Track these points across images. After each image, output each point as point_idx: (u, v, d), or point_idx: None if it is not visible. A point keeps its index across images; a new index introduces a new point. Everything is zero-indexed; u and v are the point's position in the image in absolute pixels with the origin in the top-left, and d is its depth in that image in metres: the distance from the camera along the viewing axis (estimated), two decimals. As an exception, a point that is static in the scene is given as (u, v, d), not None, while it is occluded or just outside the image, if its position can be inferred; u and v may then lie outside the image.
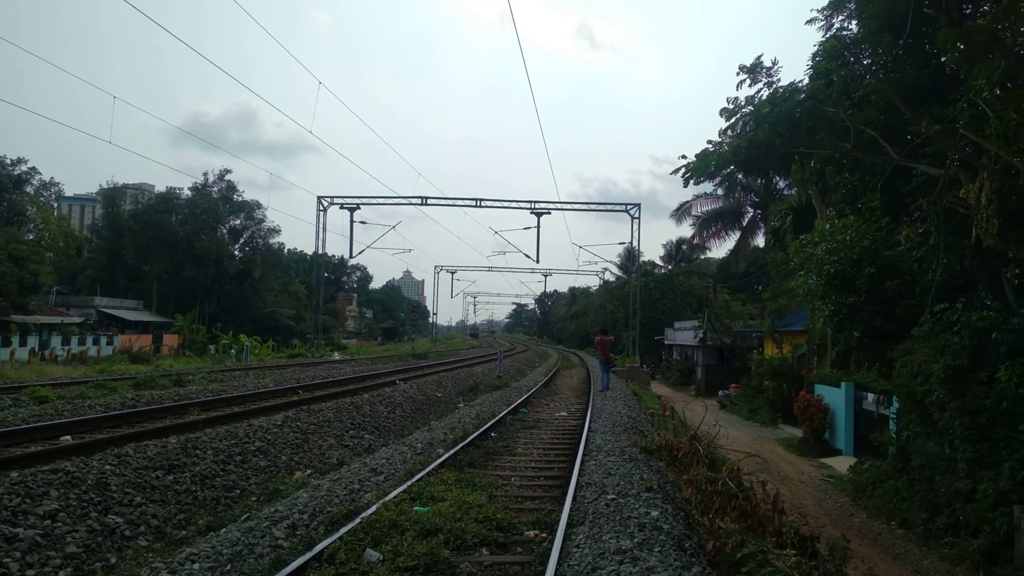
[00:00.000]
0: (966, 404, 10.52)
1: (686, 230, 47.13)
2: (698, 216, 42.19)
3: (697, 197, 41.16)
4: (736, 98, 12.73)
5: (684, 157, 13.60)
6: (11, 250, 39.91)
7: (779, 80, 12.62)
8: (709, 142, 13.24)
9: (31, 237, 51.53)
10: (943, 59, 12.07)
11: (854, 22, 12.98)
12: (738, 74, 12.77)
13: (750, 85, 12.70)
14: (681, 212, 42.87)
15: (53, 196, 64.04)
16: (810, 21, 13.31)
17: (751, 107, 12.59)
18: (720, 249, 50.71)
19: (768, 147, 12.24)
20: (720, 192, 38.67)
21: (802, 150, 12.90)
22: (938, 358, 11.09)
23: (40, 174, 60.54)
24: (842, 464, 16.90)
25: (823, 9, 13.12)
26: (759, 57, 12.65)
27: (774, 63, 12.59)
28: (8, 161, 56.09)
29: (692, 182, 13.54)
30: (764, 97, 12.38)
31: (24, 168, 57.53)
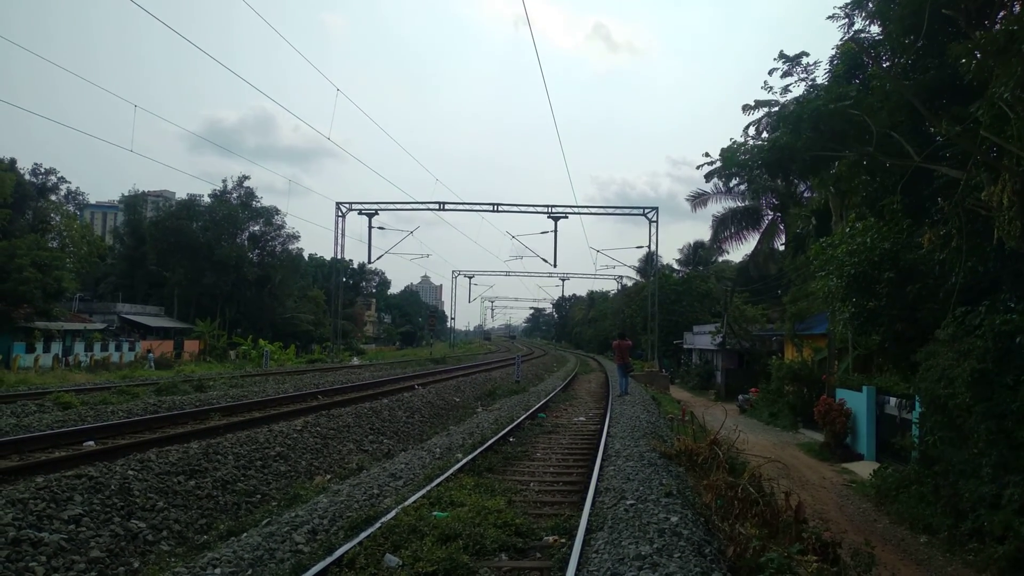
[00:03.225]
0: (991, 408, 10.39)
1: (702, 226, 46.68)
2: (715, 215, 41.93)
3: (717, 192, 40.49)
4: (770, 87, 12.64)
5: (707, 155, 13.62)
6: (35, 257, 40.42)
7: (815, 78, 12.58)
8: (732, 140, 13.24)
9: (55, 244, 52.21)
10: (963, 59, 11.99)
11: (875, 25, 12.91)
12: (775, 60, 12.71)
13: (782, 76, 12.62)
14: (697, 201, 42.44)
15: (73, 205, 64.92)
16: (831, 17, 13.23)
17: (776, 105, 12.57)
18: (738, 251, 50.20)
19: (791, 149, 12.19)
20: (742, 188, 38.16)
21: (826, 153, 12.84)
22: (962, 362, 10.96)
23: (68, 183, 61.80)
24: (864, 469, 16.72)
25: (844, 6, 13.06)
26: (804, 53, 12.61)
27: (814, 63, 12.54)
28: (41, 170, 57.26)
29: (722, 181, 13.55)
30: (793, 95, 12.34)
31: (54, 178, 58.75)
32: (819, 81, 12.82)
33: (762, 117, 12.72)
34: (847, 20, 13.20)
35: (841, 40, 13.42)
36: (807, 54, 12.62)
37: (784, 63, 12.57)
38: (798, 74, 12.55)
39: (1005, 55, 8.89)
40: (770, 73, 12.68)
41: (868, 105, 11.50)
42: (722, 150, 13.34)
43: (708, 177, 14.09)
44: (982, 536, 10.49)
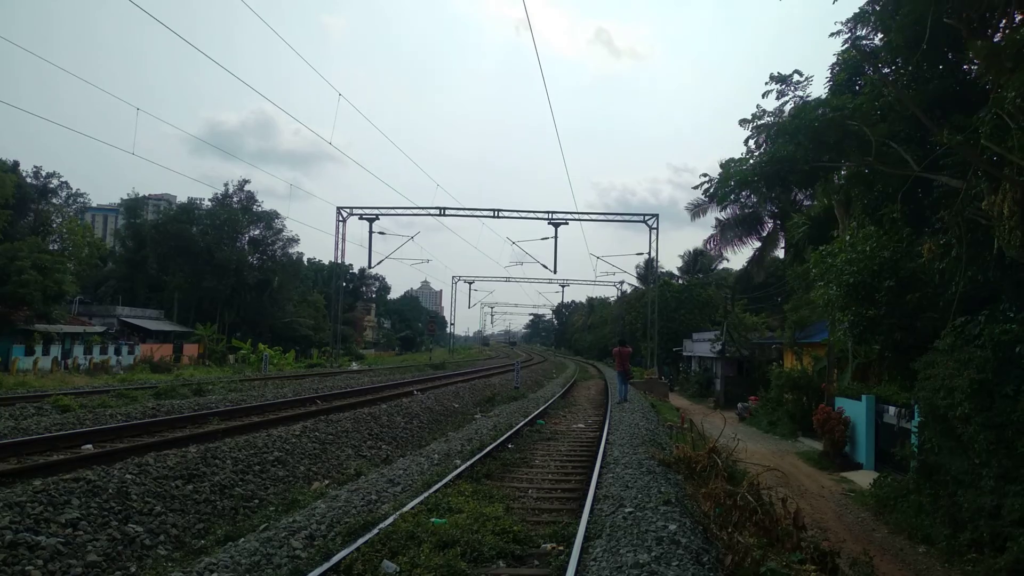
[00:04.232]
0: (992, 418, 10.37)
1: (704, 233, 46.75)
2: (718, 219, 41.97)
3: (716, 200, 40.49)
4: (761, 109, 12.70)
5: (705, 175, 13.68)
6: (35, 259, 40.42)
7: (809, 94, 12.61)
8: (731, 160, 13.25)
9: (56, 247, 52.25)
10: (964, 67, 12.01)
11: (878, 36, 12.94)
12: (767, 83, 12.74)
13: (778, 97, 12.68)
14: (697, 210, 42.52)
15: (74, 208, 65.01)
16: (834, 34, 13.28)
17: (773, 118, 12.58)
18: (737, 257, 50.31)
19: (790, 161, 12.21)
20: (744, 197, 38.24)
21: (825, 161, 12.85)
22: (962, 371, 10.95)
23: (70, 188, 61.89)
24: (863, 478, 16.71)
25: (847, 21, 13.10)
26: (795, 71, 12.64)
27: (806, 78, 12.56)
28: (42, 173, 57.38)
29: (716, 200, 13.63)
30: (789, 110, 12.36)
31: (56, 182, 58.88)
32: (815, 95, 12.85)
33: (760, 133, 12.73)
34: (850, 35, 13.24)
35: (843, 47, 13.46)
36: (799, 72, 12.65)
37: (777, 84, 12.59)
38: (792, 92, 12.58)
39: (1018, 60, 8.91)
40: (764, 96, 12.71)
41: (865, 114, 11.53)
42: (722, 164, 13.37)
43: (707, 196, 14.22)
44: (981, 547, 10.48)
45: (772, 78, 12.65)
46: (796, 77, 12.58)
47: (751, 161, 12.86)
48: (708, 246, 45.15)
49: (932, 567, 10.91)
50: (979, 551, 10.50)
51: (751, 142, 12.87)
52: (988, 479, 10.48)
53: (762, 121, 12.66)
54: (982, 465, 10.64)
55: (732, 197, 13.68)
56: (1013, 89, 9.12)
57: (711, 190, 13.52)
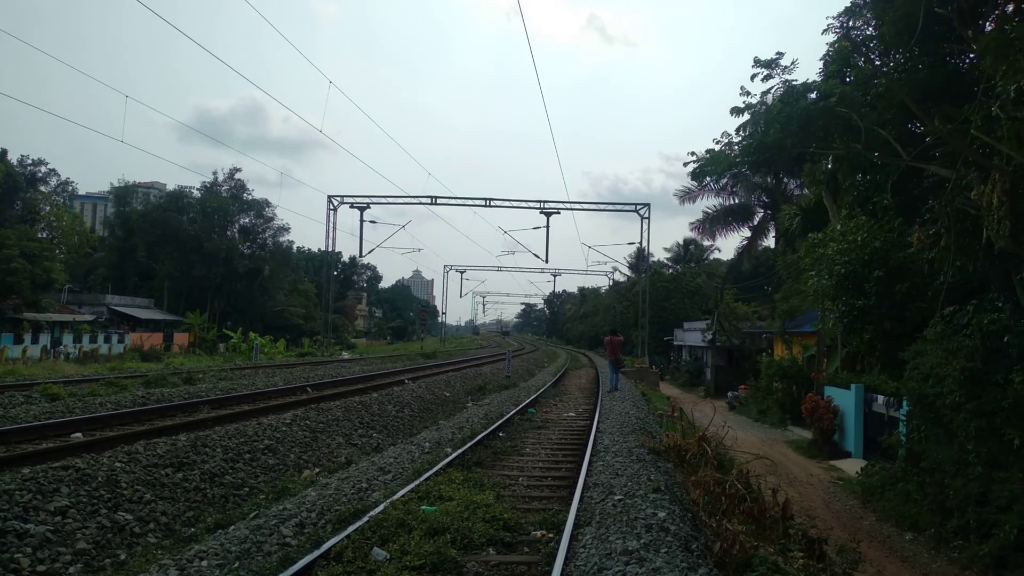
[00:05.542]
0: (981, 406, 10.45)
1: (694, 218, 46.12)
2: (706, 211, 41.92)
3: (704, 187, 40.22)
4: (748, 92, 12.70)
5: (693, 154, 13.65)
6: (24, 247, 40.15)
7: (795, 80, 12.62)
8: (716, 140, 13.28)
9: (45, 235, 51.93)
10: (954, 59, 12.04)
11: (870, 28, 12.96)
12: (754, 67, 12.74)
13: (764, 80, 12.66)
14: (687, 197, 42.38)
15: (64, 196, 64.62)
16: (826, 30, 13.30)
17: (763, 105, 12.59)
18: (728, 244, 50.44)
19: (779, 147, 12.23)
20: (730, 187, 38.05)
21: (813, 149, 12.88)
22: (951, 360, 11.02)
23: (58, 175, 61.50)
24: (851, 466, 16.82)
25: (839, 16, 13.12)
26: (779, 54, 12.62)
27: (792, 63, 12.56)
28: (29, 161, 56.98)
29: (701, 179, 13.66)
30: (777, 95, 12.37)
31: (44, 169, 58.49)
32: (801, 80, 12.86)
33: (747, 121, 12.76)
34: (841, 28, 13.26)
35: (835, 39, 13.49)
36: (782, 54, 12.64)
37: (763, 68, 12.58)
38: (778, 75, 12.57)
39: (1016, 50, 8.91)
40: (752, 79, 12.70)
41: (853, 101, 11.55)
42: (710, 153, 13.40)
43: (694, 177, 14.26)
44: (967, 533, 10.57)
45: (757, 62, 12.64)
46: (782, 62, 12.59)
47: (736, 149, 12.88)
48: (697, 232, 45.14)
49: (919, 554, 11.01)
50: (965, 538, 10.60)
51: (743, 131, 12.88)
52: (976, 466, 10.56)
53: (752, 108, 12.66)
54: (970, 453, 10.72)
55: (720, 181, 13.77)
56: (1013, 82, 9.11)
57: (697, 171, 13.57)
